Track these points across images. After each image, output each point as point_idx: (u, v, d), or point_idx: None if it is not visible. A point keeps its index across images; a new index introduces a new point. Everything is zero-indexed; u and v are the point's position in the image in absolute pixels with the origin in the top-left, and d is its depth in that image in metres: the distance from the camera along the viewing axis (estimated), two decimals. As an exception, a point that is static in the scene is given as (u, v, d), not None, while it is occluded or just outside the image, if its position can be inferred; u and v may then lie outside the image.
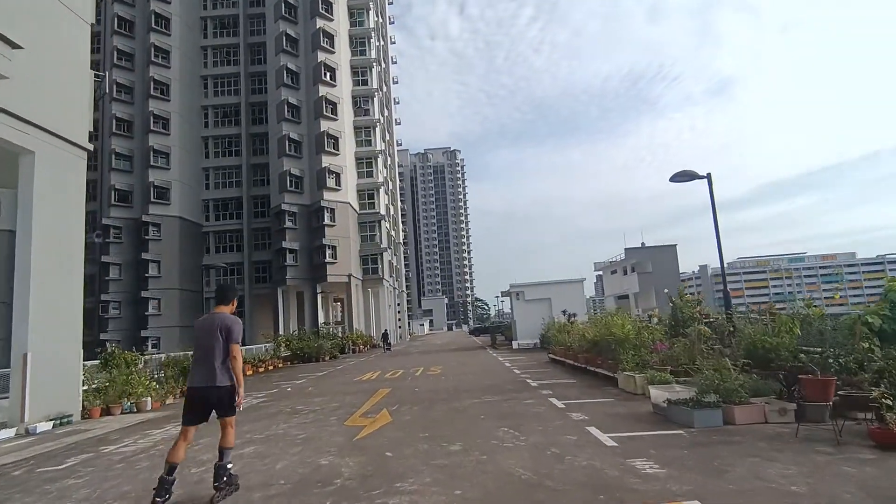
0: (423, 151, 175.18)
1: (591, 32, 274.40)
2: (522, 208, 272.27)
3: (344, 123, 43.29)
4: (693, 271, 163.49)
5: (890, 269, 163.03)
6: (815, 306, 8.97)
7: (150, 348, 38.18)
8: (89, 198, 45.32)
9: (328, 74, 42.51)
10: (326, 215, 40.29)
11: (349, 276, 40.86)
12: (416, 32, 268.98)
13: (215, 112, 46.95)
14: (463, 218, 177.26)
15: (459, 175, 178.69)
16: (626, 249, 63.23)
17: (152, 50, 42.35)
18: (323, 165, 40.75)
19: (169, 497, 4.42)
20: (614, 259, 66.66)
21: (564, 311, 14.33)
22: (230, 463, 4.77)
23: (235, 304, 5.17)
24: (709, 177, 11.34)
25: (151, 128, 41.47)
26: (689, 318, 12.78)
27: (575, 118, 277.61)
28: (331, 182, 41.03)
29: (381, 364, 21.95)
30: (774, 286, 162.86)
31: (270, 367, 24.63)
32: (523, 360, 18.64)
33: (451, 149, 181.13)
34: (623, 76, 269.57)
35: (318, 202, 40.41)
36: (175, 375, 15.03)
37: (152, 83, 42.02)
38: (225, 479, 4.68)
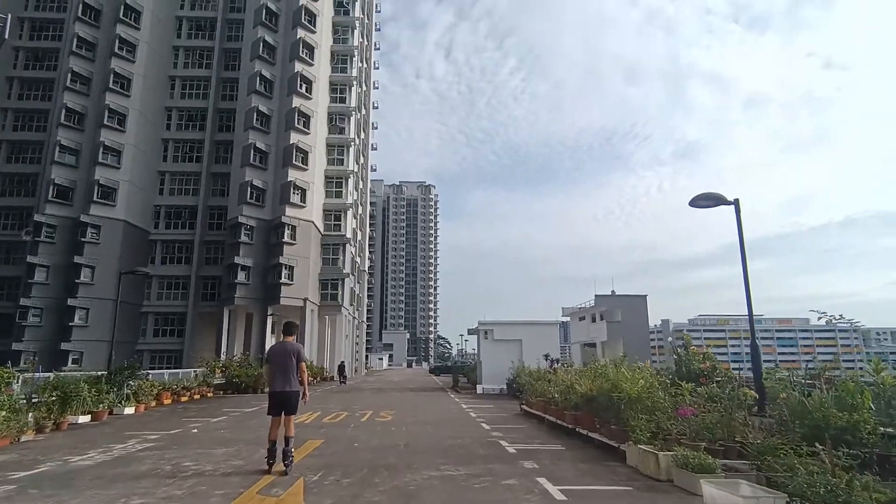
0: (397, 183, 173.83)
1: (570, 87, 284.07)
2: (492, 250, 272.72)
3: (316, 138, 40.96)
4: (655, 325, 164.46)
5: (841, 338, 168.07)
6: (883, 370, 6.86)
7: (69, 363, 33.85)
8: (25, 192, 41.82)
9: (304, 86, 40.40)
10: (287, 232, 37.35)
11: (305, 299, 37.68)
12: (402, 70, 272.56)
13: (180, 114, 43.99)
14: (432, 254, 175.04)
15: (432, 210, 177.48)
16: (596, 296, 61.69)
17: (117, 41, 39.51)
18: (288, 179, 38.08)
19: (274, 461, 6.81)
20: (583, 305, 65.12)
21: (547, 356, 12.00)
22: (292, 448, 6.96)
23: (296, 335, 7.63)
24: (736, 203, 9.35)
25: (105, 122, 38.19)
26: (697, 372, 10.59)
27: (550, 167, 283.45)
28: (295, 198, 38.29)
29: (326, 401, 18.95)
30: (733, 345, 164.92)
31: (197, 396, 21.28)
32: (490, 409, 16.02)
33: (427, 183, 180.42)
34: (597, 131, 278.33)
35: (279, 217, 37.50)
36: (56, 402, 11.87)
37: (112, 76, 38.99)
38: (290, 459, 6.87)
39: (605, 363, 10.05)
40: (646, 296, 64.57)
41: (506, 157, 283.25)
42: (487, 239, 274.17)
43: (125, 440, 9.66)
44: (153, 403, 17.62)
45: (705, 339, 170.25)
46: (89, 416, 12.98)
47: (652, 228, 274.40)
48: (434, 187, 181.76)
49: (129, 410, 15.11)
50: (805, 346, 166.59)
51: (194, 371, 23.92)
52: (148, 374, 20.28)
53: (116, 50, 39.37)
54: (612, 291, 66.88)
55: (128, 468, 7.08)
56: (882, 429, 6.01)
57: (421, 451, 8.26)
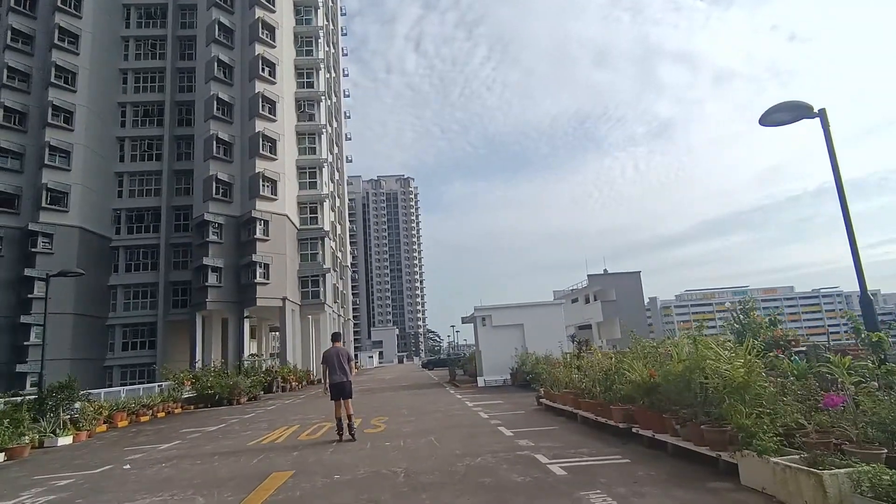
0: (375, 178, 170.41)
1: (541, 74, 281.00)
2: (475, 240, 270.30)
3: (284, 126, 38.01)
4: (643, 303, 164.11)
5: (825, 303, 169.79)
6: None
7: (27, 387, 30.65)
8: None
9: (267, 70, 37.37)
10: (259, 228, 34.47)
11: (284, 299, 34.90)
12: (372, 65, 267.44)
13: (135, 110, 40.58)
14: (416, 247, 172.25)
15: (413, 203, 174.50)
16: (589, 276, 59.90)
17: (57, 32, 35.99)
18: (257, 170, 35.16)
19: (342, 434, 9.26)
20: (576, 287, 63.25)
21: (573, 337, 9.62)
22: (354, 423, 9.47)
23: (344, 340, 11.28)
24: (822, 113, 7.03)
25: (50, 121, 34.76)
26: (769, 342, 8.31)
27: (526, 154, 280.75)
28: (265, 190, 35.41)
29: (308, 410, 16.44)
30: (720, 318, 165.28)
31: (161, 414, 18.60)
32: (501, 405, 13.66)
33: (405, 176, 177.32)
34: (570, 116, 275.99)
35: (249, 212, 34.60)
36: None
37: (54, 69, 35.51)
38: (353, 429, 9.38)
39: (665, 339, 7.70)
40: (639, 272, 63.14)
41: (482, 148, 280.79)
42: (469, 230, 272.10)
43: (22, 490, 7.08)
44: (102, 428, 14.95)
45: (693, 313, 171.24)
46: (2, 455, 10.30)
47: (629, 209, 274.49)
48: (413, 180, 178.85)
49: (66, 440, 12.45)
50: (791, 313, 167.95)
51: (158, 385, 21.17)
52: (100, 392, 17.54)
53: (57, 41, 35.86)
54: (605, 271, 65.21)
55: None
56: None
57: (428, 482, 5.81)
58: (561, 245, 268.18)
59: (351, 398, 9.49)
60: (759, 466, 4.46)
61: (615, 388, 7.84)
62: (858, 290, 7.06)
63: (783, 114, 7.07)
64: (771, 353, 7.41)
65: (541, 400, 12.14)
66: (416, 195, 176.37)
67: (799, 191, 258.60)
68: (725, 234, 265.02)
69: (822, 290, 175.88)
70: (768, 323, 8.97)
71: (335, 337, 10.43)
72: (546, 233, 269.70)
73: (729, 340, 8.22)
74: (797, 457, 4.24)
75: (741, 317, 9.32)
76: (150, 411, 18.02)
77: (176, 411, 19.93)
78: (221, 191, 35.40)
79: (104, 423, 15.29)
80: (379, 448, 8.27)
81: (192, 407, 21.50)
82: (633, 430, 7.15)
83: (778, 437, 4.52)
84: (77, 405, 14.49)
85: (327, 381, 9.51)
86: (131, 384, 30.60)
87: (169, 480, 6.99)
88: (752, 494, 4.46)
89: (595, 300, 57.63)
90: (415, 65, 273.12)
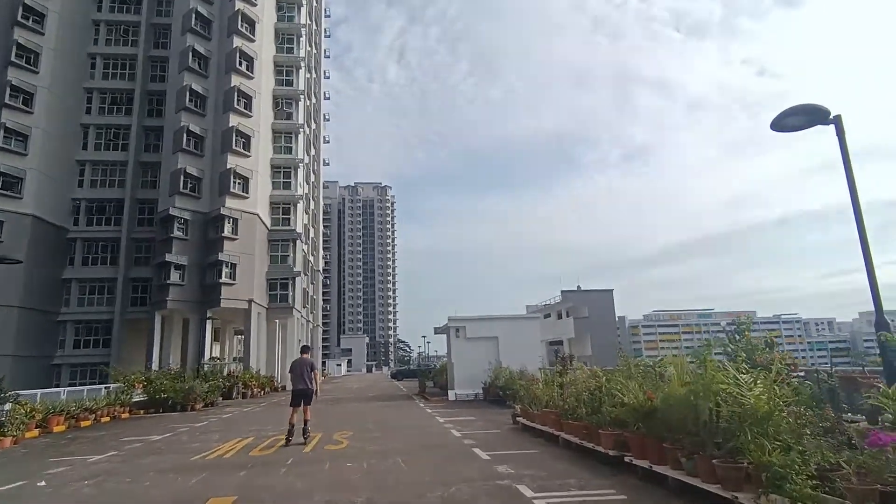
0: (353, 184, 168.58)
1: (522, 91, 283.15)
2: (450, 252, 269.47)
3: (259, 122, 36.78)
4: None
5: (784, 329, 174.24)
6: None
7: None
8: None
9: (244, 64, 36.17)
10: (227, 226, 33.06)
11: (250, 301, 33.44)
12: (355, 73, 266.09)
13: (102, 97, 38.73)
14: (390, 256, 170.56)
15: (389, 212, 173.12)
16: (562, 292, 59.78)
17: (21, 9, 34.11)
18: (228, 166, 33.81)
19: (292, 437, 10.04)
20: (548, 302, 63.03)
21: (557, 352, 8.75)
22: (309, 427, 10.46)
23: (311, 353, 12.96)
24: (838, 120, 6.51)
25: (7, 101, 32.75)
26: (764, 367, 7.68)
27: (504, 169, 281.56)
28: (236, 187, 34.04)
29: (266, 420, 15.30)
30: (686, 339, 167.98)
31: (106, 419, 17.19)
32: (475, 422, 12.82)
33: (383, 185, 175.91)
34: (549, 135, 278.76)
35: (218, 209, 33.17)
36: None
37: (15, 48, 33.59)
38: (307, 434, 10.32)
39: (663, 359, 7.02)
40: (612, 290, 63.45)
41: (460, 161, 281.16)
42: (444, 242, 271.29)
43: None
44: (34, 433, 13.55)
45: (660, 333, 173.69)
46: None
47: (601, 230, 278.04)
48: (390, 188, 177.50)
49: (-14, 448, 11.10)
50: (753, 337, 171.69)
51: (105, 388, 19.64)
52: (36, 393, 16.02)
53: (20, 18, 33.98)
54: (578, 287, 65.32)
55: None
56: None
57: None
58: (534, 261, 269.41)
59: (310, 405, 10.62)
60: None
61: (604, 409, 7.11)
62: (813, 317, 6.48)
63: (797, 118, 6.54)
64: (793, 378, 6.82)
65: (517, 419, 11.36)
66: (392, 204, 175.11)
67: (761, 219, 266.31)
68: (692, 258, 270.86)
69: (782, 316, 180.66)
70: (764, 345, 8.42)
71: (304, 349, 11.86)
72: (520, 248, 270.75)
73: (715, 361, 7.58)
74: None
75: (735, 336, 8.75)
76: (93, 416, 16.60)
77: (123, 416, 18.50)
78: (190, 185, 33.90)
79: (36, 427, 13.89)
80: (339, 470, 7.33)
81: (142, 412, 20.07)
82: (626, 458, 6.41)
83: (813, 481, 3.83)
84: (7, 407, 13.09)
85: (291, 387, 10.72)
86: (81, 385, 28.58)
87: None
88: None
89: (568, 316, 57.34)
90: (396, 76, 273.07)
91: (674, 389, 5.89)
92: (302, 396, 10.37)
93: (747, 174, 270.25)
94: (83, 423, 15.87)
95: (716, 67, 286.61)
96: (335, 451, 8.95)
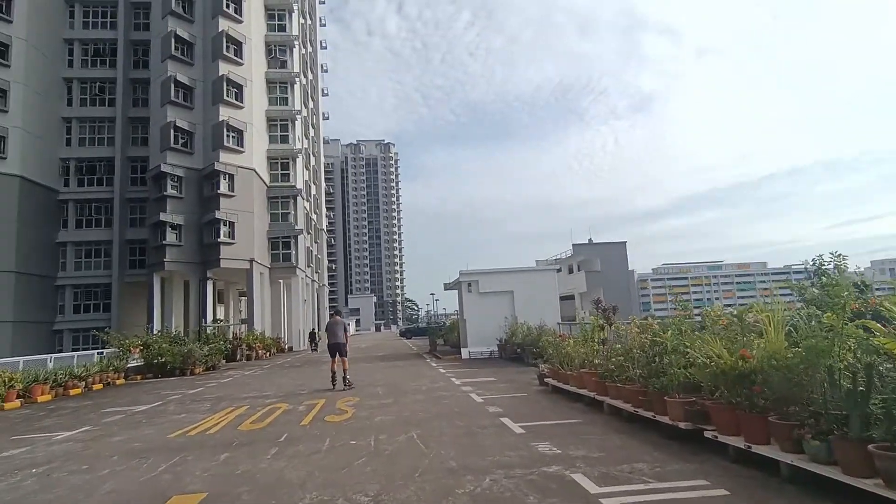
0: (355, 142, 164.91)
1: (525, 41, 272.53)
2: (456, 209, 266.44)
3: (252, 71, 34.45)
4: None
5: (795, 277, 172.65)
6: None
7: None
8: None
9: (232, 7, 33.53)
10: (223, 182, 31.38)
11: (251, 260, 32.12)
12: (353, 26, 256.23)
13: (84, 48, 36.38)
14: (395, 214, 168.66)
15: (393, 170, 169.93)
16: (573, 245, 58.20)
17: (-12, -49, 31.49)
18: (220, 118, 31.80)
19: (336, 384, 11.94)
20: (559, 256, 61.50)
21: (598, 302, 7.57)
22: (349, 377, 12.18)
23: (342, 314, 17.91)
24: None
25: (-19, 54, 30.68)
26: (857, 313, 6.12)
27: (508, 124, 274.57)
28: (230, 141, 32.14)
29: (264, 385, 14.10)
30: (695, 292, 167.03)
31: (98, 386, 16.09)
32: (496, 383, 11.51)
33: (385, 141, 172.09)
34: (554, 86, 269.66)
35: (212, 165, 31.41)
36: None
37: (-14, -5, 31.20)
38: (348, 380, 12.09)
39: (749, 307, 5.48)
40: (625, 242, 61.72)
41: (464, 116, 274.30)
42: (450, 199, 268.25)
43: None
44: (15, 404, 12.42)
45: (670, 287, 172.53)
46: None
47: (608, 182, 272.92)
48: (393, 145, 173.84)
49: (-49, 422, 9.92)
50: (763, 288, 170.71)
51: (98, 353, 18.53)
52: (18, 361, 14.86)
53: (-12, -38, 31.41)
54: (590, 240, 63.52)
55: None
56: None
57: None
58: (541, 216, 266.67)
59: (346, 356, 12.51)
60: None
61: (672, 372, 5.62)
62: (880, 261, 4.84)
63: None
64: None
65: (545, 379, 9.99)
66: (396, 161, 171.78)
67: (774, 169, 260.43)
68: (701, 210, 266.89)
69: (792, 266, 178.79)
70: (856, 289, 6.86)
71: (336, 312, 15.07)
72: (526, 203, 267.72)
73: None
74: None
75: (826, 279, 7.16)
76: (84, 383, 15.49)
77: (118, 382, 17.45)
78: (181, 140, 32.03)
79: (18, 397, 12.76)
80: (341, 451, 5.96)
81: (139, 377, 19.06)
82: (708, 434, 4.97)
83: None
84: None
85: (327, 342, 12.91)
86: (84, 349, 27.78)
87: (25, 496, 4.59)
88: None
89: (579, 270, 55.97)
90: (396, 27, 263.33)
91: (774, 346, 4.39)
92: (336, 349, 12.27)
93: (760, 123, 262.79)
94: (72, 392, 14.77)
95: (729, 9, 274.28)
96: (337, 424, 7.62)
